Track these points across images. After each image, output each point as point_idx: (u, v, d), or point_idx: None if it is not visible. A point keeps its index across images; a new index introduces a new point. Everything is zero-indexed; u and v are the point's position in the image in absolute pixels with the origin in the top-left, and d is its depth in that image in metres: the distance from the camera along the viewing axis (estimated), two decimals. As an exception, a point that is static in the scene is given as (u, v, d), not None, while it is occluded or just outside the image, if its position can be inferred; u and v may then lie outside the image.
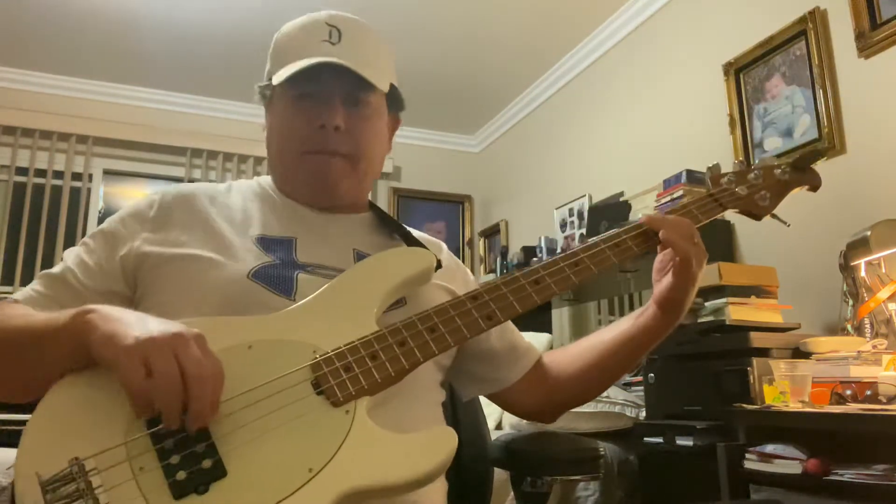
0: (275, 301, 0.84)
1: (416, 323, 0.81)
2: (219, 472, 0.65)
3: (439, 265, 0.93)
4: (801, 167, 1.07)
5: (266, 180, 1.06)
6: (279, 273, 0.88)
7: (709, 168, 1.06)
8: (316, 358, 0.75)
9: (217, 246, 0.89)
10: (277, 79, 0.95)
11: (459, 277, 1.07)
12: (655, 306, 0.96)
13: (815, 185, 1.08)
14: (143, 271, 0.88)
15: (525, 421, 2.36)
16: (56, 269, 0.90)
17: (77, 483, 0.62)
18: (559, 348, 1.10)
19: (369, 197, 1.11)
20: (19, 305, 0.84)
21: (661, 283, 0.94)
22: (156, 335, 0.66)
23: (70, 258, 0.91)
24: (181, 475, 0.64)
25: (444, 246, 1.13)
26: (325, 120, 0.94)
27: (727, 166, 1.07)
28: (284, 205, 1.01)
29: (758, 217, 1.04)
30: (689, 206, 1.00)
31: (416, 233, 1.07)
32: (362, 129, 0.98)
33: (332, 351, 0.76)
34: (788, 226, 1.05)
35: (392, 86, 1.00)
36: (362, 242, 0.99)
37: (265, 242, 0.92)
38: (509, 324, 1.06)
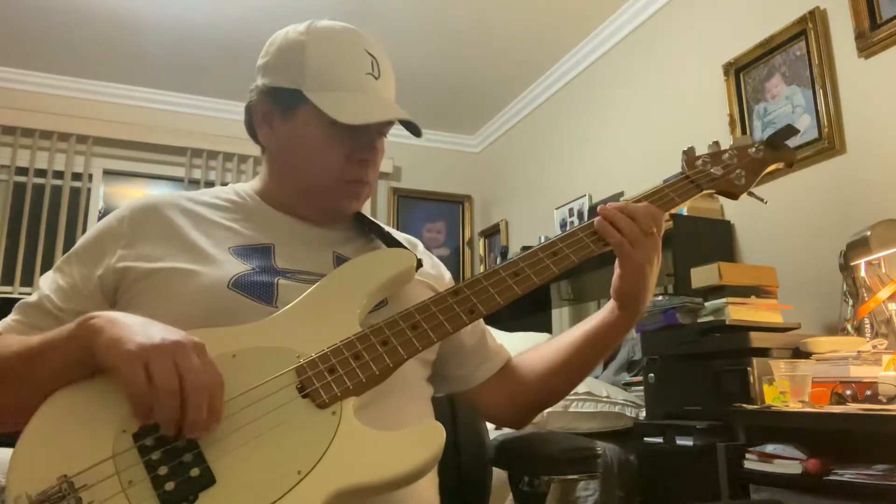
0: (256, 309, 0.84)
1: (399, 321, 0.81)
2: (207, 480, 0.65)
3: (420, 264, 0.93)
4: (775, 144, 1.07)
5: (242, 188, 1.04)
6: (258, 280, 0.87)
7: (684, 151, 1.06)
8: (300, 362, 0.75)
9: (194, 258, 0.89)
10: (324, 106, 0.91)
11: (437, 275, 1.07)
12: (612, 299, 0.97)
13: (789, 162, 1.08)
14: (123, 287, 0.88)
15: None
16: (32, 297, 0.90)
17: (67, 500, 0.62)
18: (526, 351, 1.09)
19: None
20: (4, 338, 0.84)
21: (614, 275, 0.94)
22: (158, 342, 0.67)
23: (45, 285, 0.90)
24: (170, 486, 0.64)
25: (420, 244, 1.12)
26: (366, 156, 0.96)
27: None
28: (262, 212, 1.00)
29: (735, 196, 1.04)
30: (665, 190, 1.00)
31: (393, 232, 1.08)
32: (379, 160, 1.01)
33: (316, 354, 0.76)
34: (765, 202, 1.06)
35: None
36: (341, 246, 0.99)
37: (241, 252, 0.92)
38: (481, 324, 1.07)
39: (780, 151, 1.07)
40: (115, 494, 0.63)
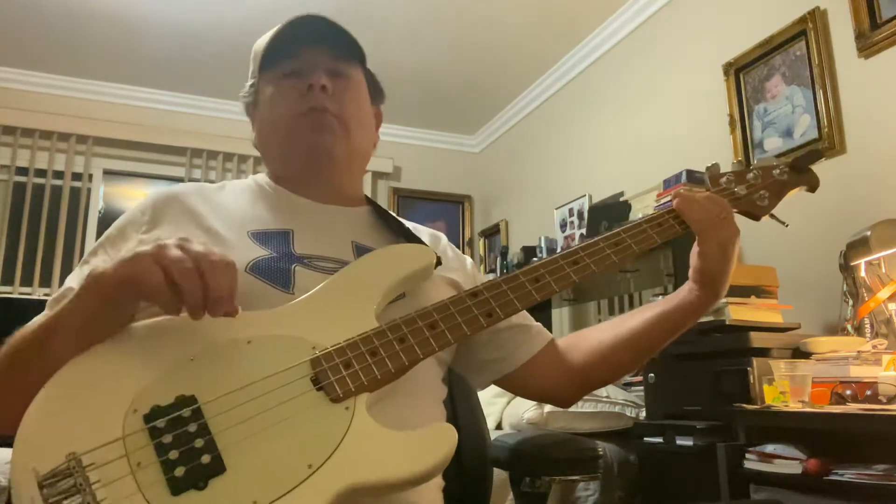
0: (273, 294, 0.84)
1: (416, 319, 0.80)
2: (217, 467, 0.65)
3: (439, 262, 0.93)
4: (799, 168, 1.06)
5: (261, 177, 1.07)
6: (276, 266, 0.88)
7: (708, 168, 1.05)
8: (315, 354, 0.75)
9: (212, 241, 0.89)
10: (258, 53, 1.01)
11: (459, 266, 1.07)
12: (691, 281, 0.97)
13: (813, 186, 1.07)
14: None
15: (525, 421, 2.37)
16: (59, 291, 0.91)
17: (75, 478, 0.61)
18: (584, 329, 1.09)
19: (369, 195, 1.12)
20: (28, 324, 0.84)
21: (694, 259, 0.95)
22: (159, 242, 0.69)
23: (71, 278, 0.92)
24: (179, 471, 0.64)
25: (444, 237, 1.13)
26: (311, 80, 0.98)
27: (727, 167, 1.07)
28: (280, 197, 1.01)
29: (756, 217, 1.04)
30: None
31: (414, 225, 1.08)
32: (348, 96, 1.01)
33: (332, 347, 0.76)
34: (787, 226, 1.04)
35: (370, 73, 1.07)
36: (361, 235, 0.99)
37: (260, 236, 0.93)
38: None
39: (803, 175, 1.06)
40: (124, 476, 0.63)
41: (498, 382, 1.08)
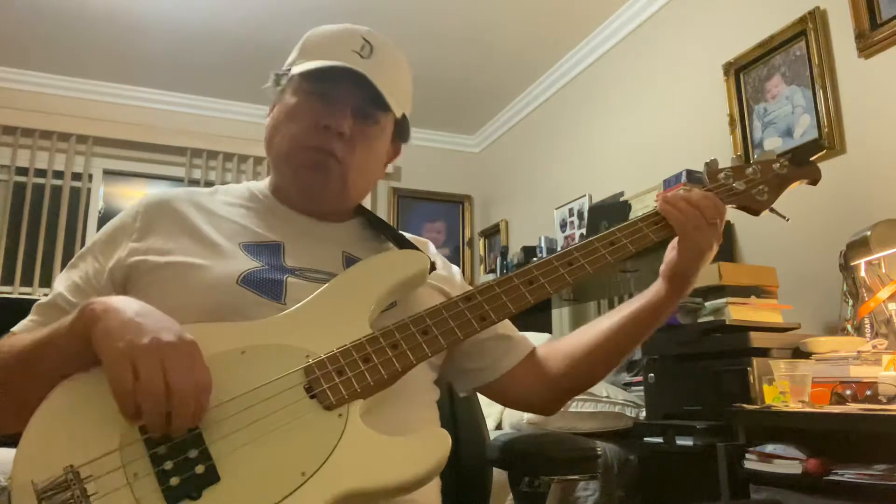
0: (265, 306, 0.83)
1: (409, 325, 0.80)
2: (212, 477, 0.65)
3: (433, 267, 0.92)
4: (800, 160, 1.05)
5: (255, 185, 1.05)
6: (268, 278, 0.87)
7: (706, 164, 1.04)
8: (308, 362, 0.75)
9: (204, 253, 0.89)
10: (298, 68, 0.94)
11: (448, 275, 1.06)
12: (661, 279, 0.97)
13: (814, 179, 1.06)
14: (132, 281, 0.88)
15: (525, 421, 2.37)
16: (48, 297, 0.90)
17: (72, 490, 0.62)
18: (559, 338, 1.09)
19: (369, 195, 1.10)
20: (17, 336, 0.84)
21: (669, 255, 0.95)
22: (147, 341, 0.67)
23: (59, 283, 0.91)
24: (174, 481, 0.64)
25: (432, 245, 1.12)
26: (330, 122, 0.93)
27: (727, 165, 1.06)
28: (273, 210, 1.00)
29: (756, 212, 1.02)
30: None
31: (402, 234, 1.07)
32: (363, 146, 0.97)
33: (325, 354, 0.76)
34: (787, 220, 1.03)
35: (403, 115, 1.01)
36: (352, 246, 0.99)
37: (251, 248, 0.92)
38: None
39: (804, 168, 1.04)
40: (120, 487, 0.63)
41: (480, 390, 1.08)
